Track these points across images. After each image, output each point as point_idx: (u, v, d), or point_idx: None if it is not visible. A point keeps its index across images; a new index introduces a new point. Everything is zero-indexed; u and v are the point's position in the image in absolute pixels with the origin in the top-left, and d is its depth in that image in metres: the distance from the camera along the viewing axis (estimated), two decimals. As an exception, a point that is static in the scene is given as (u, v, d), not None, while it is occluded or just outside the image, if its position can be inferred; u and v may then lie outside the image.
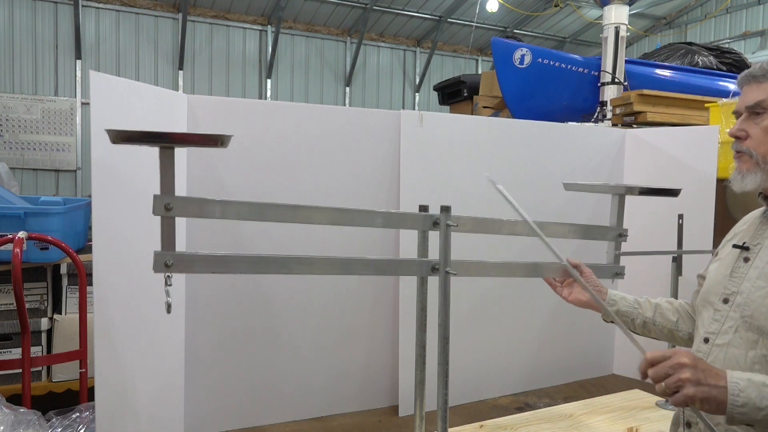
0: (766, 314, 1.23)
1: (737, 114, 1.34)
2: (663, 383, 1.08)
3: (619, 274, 1.86)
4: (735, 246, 1.37)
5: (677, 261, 2.73)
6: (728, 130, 1.34)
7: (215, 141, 1.17)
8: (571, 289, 1.73)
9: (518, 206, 1.39)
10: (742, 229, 1.43)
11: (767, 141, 1.26)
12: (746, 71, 1.33)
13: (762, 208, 1.40)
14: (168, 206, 1.18)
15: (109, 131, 1.08)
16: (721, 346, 1.31)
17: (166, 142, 1.14)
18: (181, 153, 2.27)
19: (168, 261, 1.20)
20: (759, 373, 1.18)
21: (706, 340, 1.36)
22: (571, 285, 1.73)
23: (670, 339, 1.64)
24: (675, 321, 1.62)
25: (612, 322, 1.67)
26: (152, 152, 2.15)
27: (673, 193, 1.83)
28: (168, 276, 1.20)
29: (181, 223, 2.22)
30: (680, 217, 2.68)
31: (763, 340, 1.24)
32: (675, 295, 2.67)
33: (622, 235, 1.87)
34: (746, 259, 1.33)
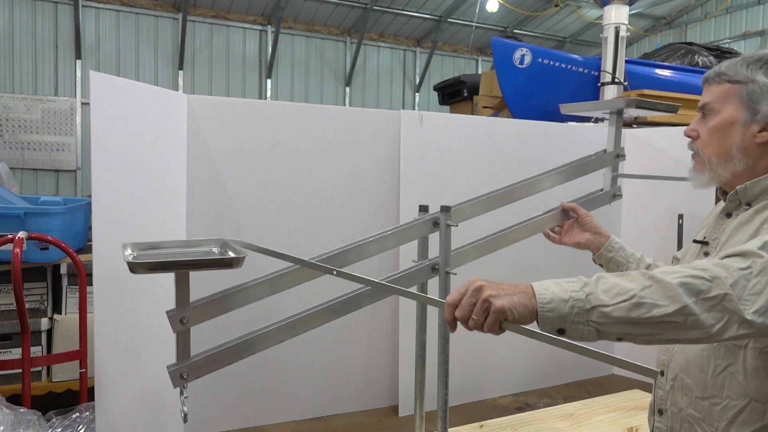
0: None
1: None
2: (473, 315, 1.05)
3: (617, 195, 1.87)
4: (695, 241, 1.38)
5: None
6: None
7: (230, 264, 1.22)
8: (569, 234, 1.75)
9: None
10: (709, 221, 1.43)
11: (712, 141, 1.28)
12: (705, 73, 1.35)
13: (722, 203, 1.39)
14: (183, 320, 1.22)
15: (129, 263, 1.14)
16: None
17: (182, 268, 1.20)
18: (181, 150, 2.27)
19: (184, 373, 1.22)
20: (718, 366, 1.20)
21: None
22: (569, 231, 1.75)
23: None
24: None
25: (600, 265, 1.70)
26: (153, 151, 2.15)
27: (671, 108, 1.82)
28: (184, 387, 1.23)
29: (181, 224, 2.22)
30: (680, 217, 2.68)
31: None
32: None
33: (620, 156, 1.88)
34: (706, 254, 1.33)
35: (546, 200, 1.78)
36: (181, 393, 1.23)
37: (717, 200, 1.41)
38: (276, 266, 1.40)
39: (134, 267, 1.13)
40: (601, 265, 1.73)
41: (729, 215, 1.31)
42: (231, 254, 1.21)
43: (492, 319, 1.03)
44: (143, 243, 1.20)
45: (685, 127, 1.37)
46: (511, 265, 2.77)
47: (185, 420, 1.22)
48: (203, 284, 1.39)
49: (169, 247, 1.24)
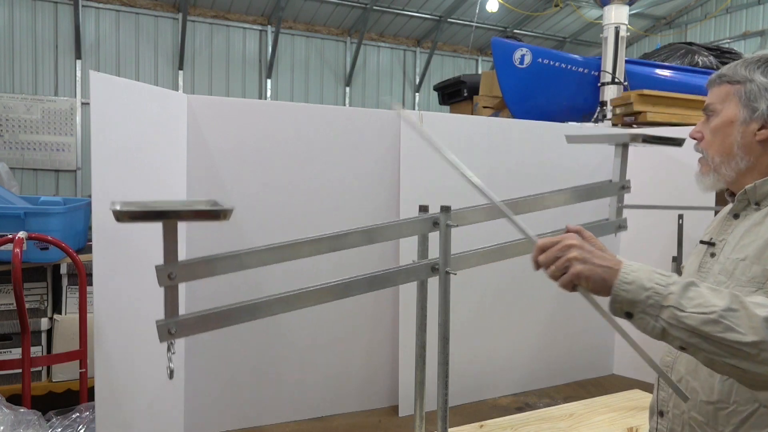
0: None
1: None
2: (553, 266, 1.10)
3: (621, 227, 1.87)
4: (702, 242, 1.39)
5: (677, 261, 2.73)
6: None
7: (217, 215, 1.18)
8: None
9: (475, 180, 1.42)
10: (716, 223, 1.44)
11: (714, 141, 1.31)
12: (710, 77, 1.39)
13: (730, 204, 1.41)
14: (171, 275, 1.20)
15: (114, 211, 1.10)
16: None
17: (169, 218, 1.16)
18: (181, 150, 2.27)
19: (171, 329, 1.21)
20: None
21: None
22: None
23: None
24: None
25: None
26: (153, 151, 2.16)
27: (676, 142, 1.82)
28: (171, 343, 1.22)
29: (181, 223, 2.21)
30: (680, 217, 2.68)
31: None
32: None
33: (625, 188, 1.87)
34: (712, 255, 1.34)
35: (557, 211, 1.77)
36: (169, 349, 1.22)
37: (717, 202, 1.42)
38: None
39: (120, 215, 1.09)
40: None
41: (736, 216, 1.32)
42: (218, 207, 1.19)
43: (566, 278, 1.08)
44: (134, 201, 1.17)
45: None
46: (511, 263, 2.77)
47: (171, 376, 1.22)
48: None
49: (159, 204, 1.22)
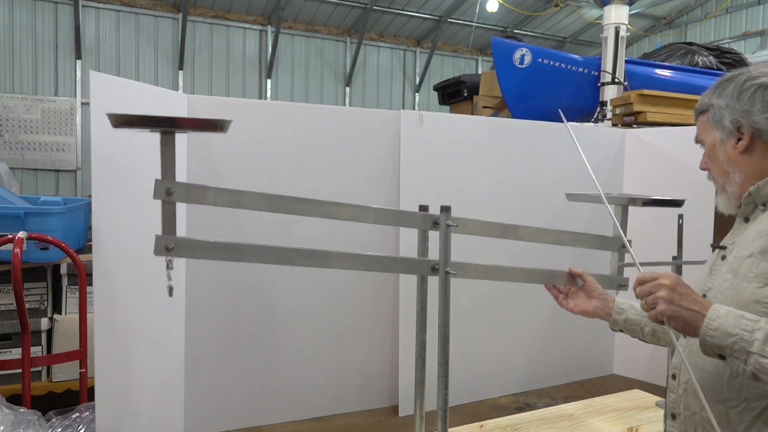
0: (728, 303, 1.25)
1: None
2: (643, 301, 1.19)
3: (622, 285, 1.87)
4: (713, 246, 1.44)
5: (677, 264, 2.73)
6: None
7: (215, 126, 1.18)
8: (576, 299, 1.74)
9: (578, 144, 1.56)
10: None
11: (713, 167, 1.43)
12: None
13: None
14: (169, 191, 1.19)
15: (110, 115, 1.09)
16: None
17: (166, 126, 1.15)
18: (181, 152, 2.27)
19: (169, 245, 1.21)
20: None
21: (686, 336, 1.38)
22: (576, 295, 1.75)
23: (671, 347, 1.65)
24: None
25: (621, 331, 1.69)
26: (152, 151, 2.15)
27: (677, 203, 1.84)
28: (169, 260, 1.22)
29: (180, 215, 2.22)
30: (680, 217, 2.68)
31: None
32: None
33: (625, 247, 1.87)
34: (723, 257, 1.38)
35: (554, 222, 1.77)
36: (168, 266, 1.22)
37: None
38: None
39: (117, 121, 1.08)
40: (621, 331, 1.71)
41: (746, 220, 1.37)
42: (217, 118, 1.18)
43: (652, 314, 1.18)
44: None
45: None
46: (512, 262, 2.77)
47: (170, 294, 1.22)
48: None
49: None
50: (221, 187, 1.30)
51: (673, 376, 1.40)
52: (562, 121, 1.84)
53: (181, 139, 2.27)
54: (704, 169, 1.47)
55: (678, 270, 2.73)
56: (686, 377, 1.34)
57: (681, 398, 1.36)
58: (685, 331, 1.15)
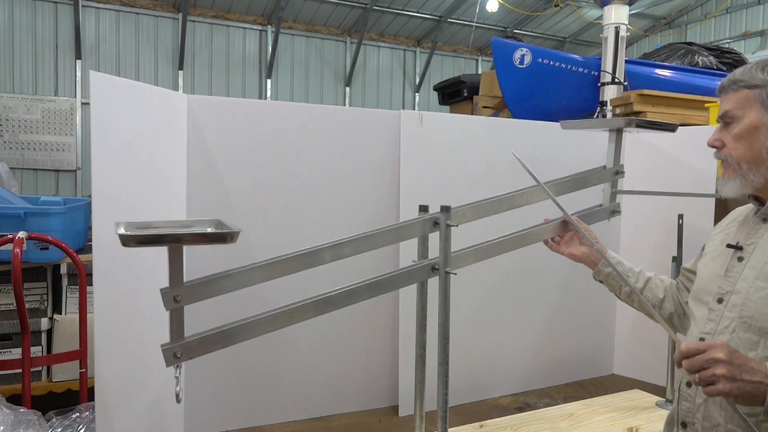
0: (761, 312, 1.23)
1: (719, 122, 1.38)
2: (697, 375, 1.09)
3: (615, 212, 1.90)
4: (729, 246, 1.38)
5: (677, 261, 2.73)
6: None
7: (223, 238, 1.18)
8: (567, 244, 1.78)
9: (531, 170, 1.56)
10: (732, 228, 1.44)
11: (738, 147, 1.29)
12: (720, 82, 1.37)
13: (750, 208, 1.41)
14: (177, 298, 1.20)
15: (121, 236, 1.11)
16: None
17: (174, 242, 1.16)
18: (181, 150, 2.27)
19: (177, 353, 1.22)
20: None
21: (702, 340, 1.36)
22: (569, 242, 1.78)
23: (649, 314, 1.66)
24: (661, 299, 1.66)
25: (601, 281, 1.71)
26: (153, 151, 2.15)
27: (670, 127, 1.84)
28: (178, 367, 1.23)
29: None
30: (680, 217, 2.68)
31: (765, 341, 1.24)
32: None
33: (619, 173, 1.90)
34: (740, 259, 1.34)
35: (547, 205, 1.78)
36: (176, 372, 1.23)
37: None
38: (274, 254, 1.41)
39: (126, 240, 1.10)
40: (601, 281, 1.74)
41: (765, 220, 1.32)
42: (225, 229, 1.19)
43: (712, 391, 1.08)
44: (138, 222, 1.17)
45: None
46: (511, 263, 2.77)
47: (179, 400, 1.22)
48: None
49: (164, 225, 1.22)
50: (225, 273, 1.30)
51: (689, 384, 1.35)
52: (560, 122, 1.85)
53: (181, 136, 2.27)
54: (715, 146, 1.36)
55: (678, 263, 2.72)
56: (702, 396, 1.30)
57: (699, 408, 1.32)
58: (747, 403, 1.08)
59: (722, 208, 2.88)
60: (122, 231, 1.11)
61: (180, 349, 1.22)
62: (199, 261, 2.08)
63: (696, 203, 2.76)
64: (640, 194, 2.36)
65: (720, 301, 1.35)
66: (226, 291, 1.30)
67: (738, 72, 1.31)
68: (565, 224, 1.78)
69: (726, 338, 1.30)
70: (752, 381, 1.06)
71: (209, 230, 1.23)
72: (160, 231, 1.16)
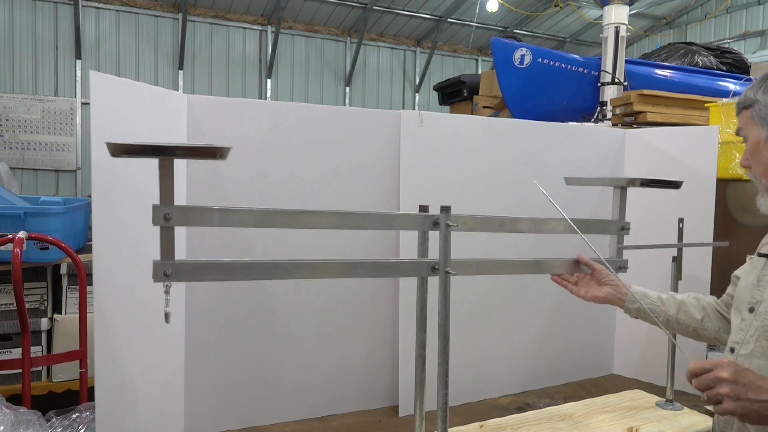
0: None
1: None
2: (705, 394, 1.12)
3: (622, 267, 1.87)
4: (759, 254, 1.39)
5: (677, 262, 2.72)
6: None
7: (213, 153, 1.18)
8: (586, 286, 1.73)
9: (554, 202, 1.51)
10: None
11: (754, 164, 1.35)
12: None
13: None
14: (167, 216, 1.19)
15: (108, 144, 1.09)
16: (746, 356, 1.31)
17: (165, 154, 1.15)
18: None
19: (167, 270, 1.21)
20: None
21: (732, 350, 1.36)
22: (586, 282, 1.73)
23: (694, 337, 1.64)
24: (700, 319, 1.62)
25: (637, 318, 1.68)
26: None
27: (674, 184, 1.84)
28: (167, 285, 1.21)
29: (180, 229, 2.21)
30: (680, 221, 2.68)
31: None
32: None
33: (624, 229, 1.89)
34: None
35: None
36: (166, 292, 1.22)
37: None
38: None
39: (114, 150, 1.08)
40: (636, 318, 1.70)
41: None
42: (216, 145, 1.18)
43: (719, 410, 1.10)
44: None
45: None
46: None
47: (167, 320, 1.22)
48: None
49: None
50: (218, 207, 1.30)
51: None
52: (562, 121, 1.85)
53: (181, 136, 2.27)
54: (746, 166, 1.40)
55: (678, 264, 2.72)
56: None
57: (735, 419, 1.30)
58: (755, 422, 1.08)
59: (723, 209, 2.88)
60: (112, 141, 1.08)
61: (171, 268, 1.21)
62: (199, 257, 2.08)
63: (697, 207, 2.76)
64: (644, 248, 2.36)
65: (751, 310, 1.34)
66: (214, 224, 1.31)
67: (742, 93, 1.38)
68: (577, 264, 1.74)
69: (750, 347, 1.29)
70: (758, 400, 1.06)
71: (201, 144, 1.22)
72: (151, 143, 1.14)
